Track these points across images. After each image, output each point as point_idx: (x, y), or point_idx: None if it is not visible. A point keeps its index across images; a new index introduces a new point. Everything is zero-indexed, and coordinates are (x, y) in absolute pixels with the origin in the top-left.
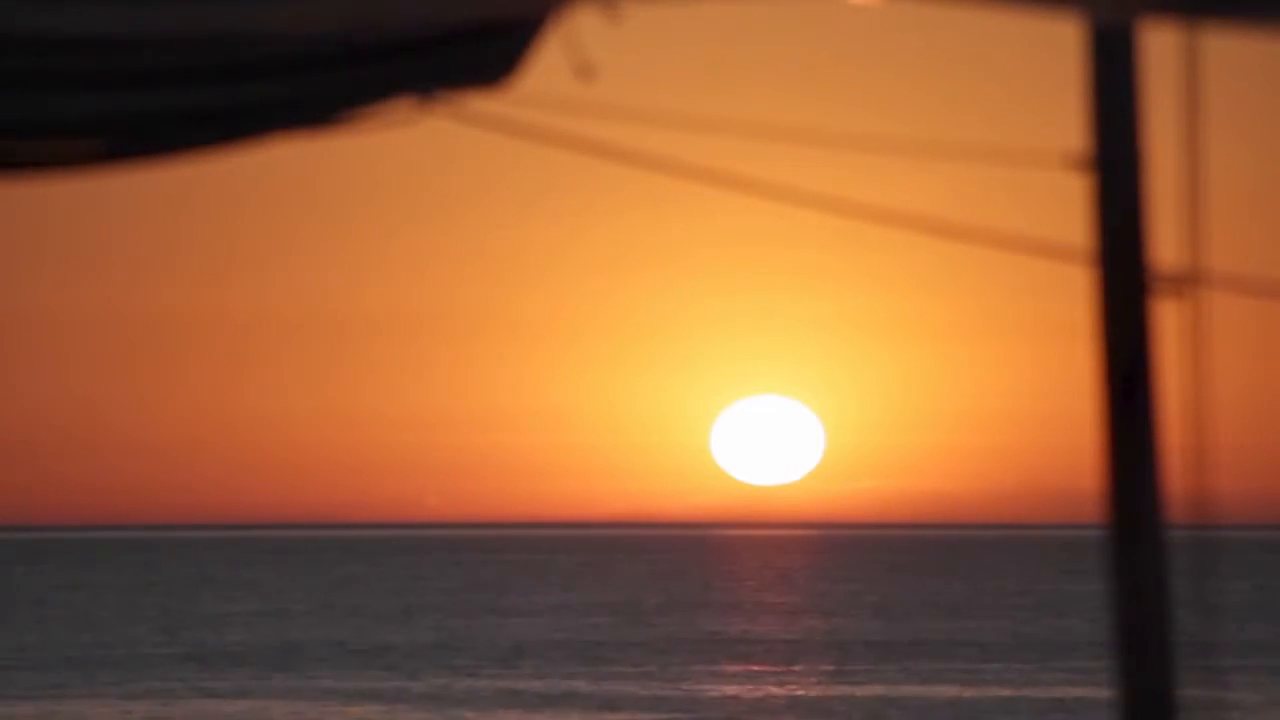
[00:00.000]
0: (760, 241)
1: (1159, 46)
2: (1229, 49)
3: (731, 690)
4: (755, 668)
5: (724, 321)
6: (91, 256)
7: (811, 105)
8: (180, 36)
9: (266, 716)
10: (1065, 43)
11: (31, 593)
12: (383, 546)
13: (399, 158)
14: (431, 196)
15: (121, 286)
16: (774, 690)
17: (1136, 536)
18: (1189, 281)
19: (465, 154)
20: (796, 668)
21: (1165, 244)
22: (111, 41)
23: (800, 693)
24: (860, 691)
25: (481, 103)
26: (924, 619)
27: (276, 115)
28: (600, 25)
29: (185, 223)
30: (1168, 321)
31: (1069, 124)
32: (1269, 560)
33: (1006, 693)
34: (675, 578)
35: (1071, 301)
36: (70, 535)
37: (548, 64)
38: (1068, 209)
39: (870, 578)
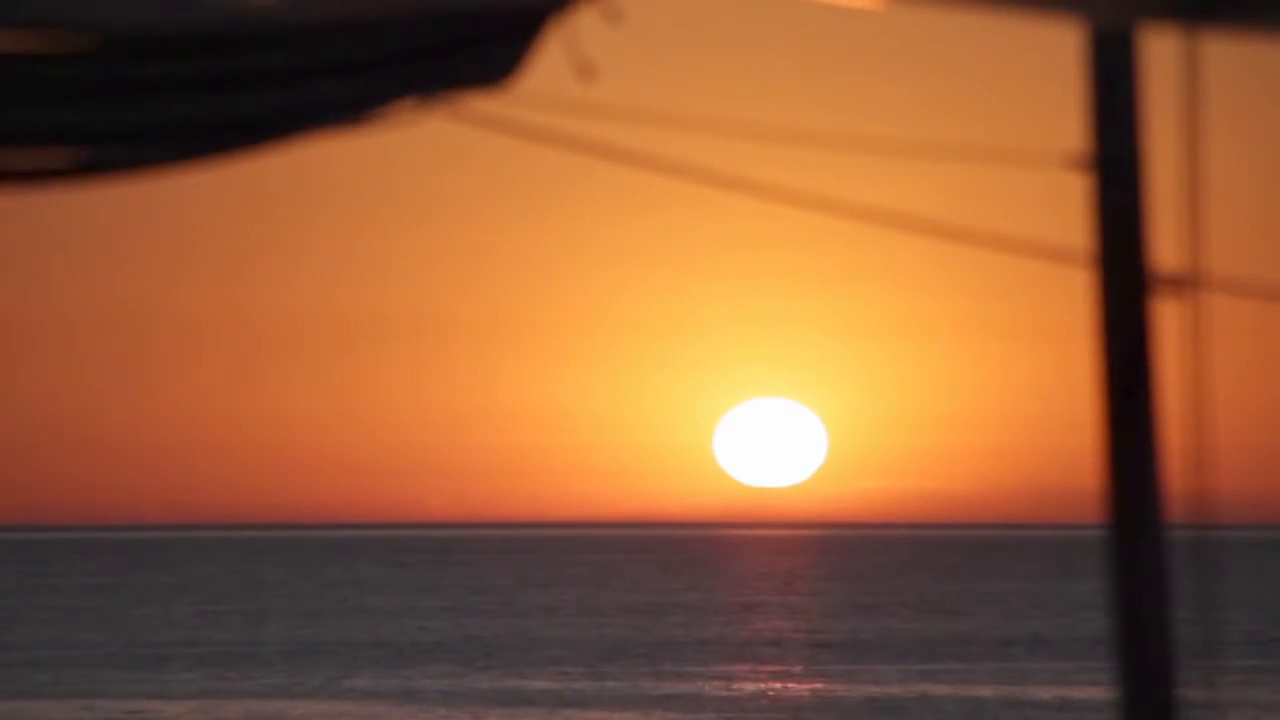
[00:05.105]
0: (763, 243)
1: (1159, 47)
2: (1229, 50)
3: (740, 689)
4: (762, 668)
5: (727, 323)
6: (101, 256)
7: (812, 106)
8: (183, 41)
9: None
10: (1065, 43)
11: (65, 593)
12: (388, 547)
13: (408, 160)
14: (440, 198)
15: (130, 287)
16: (777, 690)
17: (1136, 536)
18: (1189, 282)
19: (474, 156)
20: (803, 667)
21: (1165, 244)
22: (117, 49)
23: (807, 693)
24: (859, 691)
25: (482, 103)
26: (925, 618)
27: (282, 122)
28: (600, 25)
29: (193, 223)
30: (1168, 321)
31: (1069, 124)
32: (1269, 560)
33: (1007, 692)
34: (684, 578)
35: (1071, 301)
36: (75, 536)
37: (548, 64)
38: (1068, 209)
39: (872, 577)
